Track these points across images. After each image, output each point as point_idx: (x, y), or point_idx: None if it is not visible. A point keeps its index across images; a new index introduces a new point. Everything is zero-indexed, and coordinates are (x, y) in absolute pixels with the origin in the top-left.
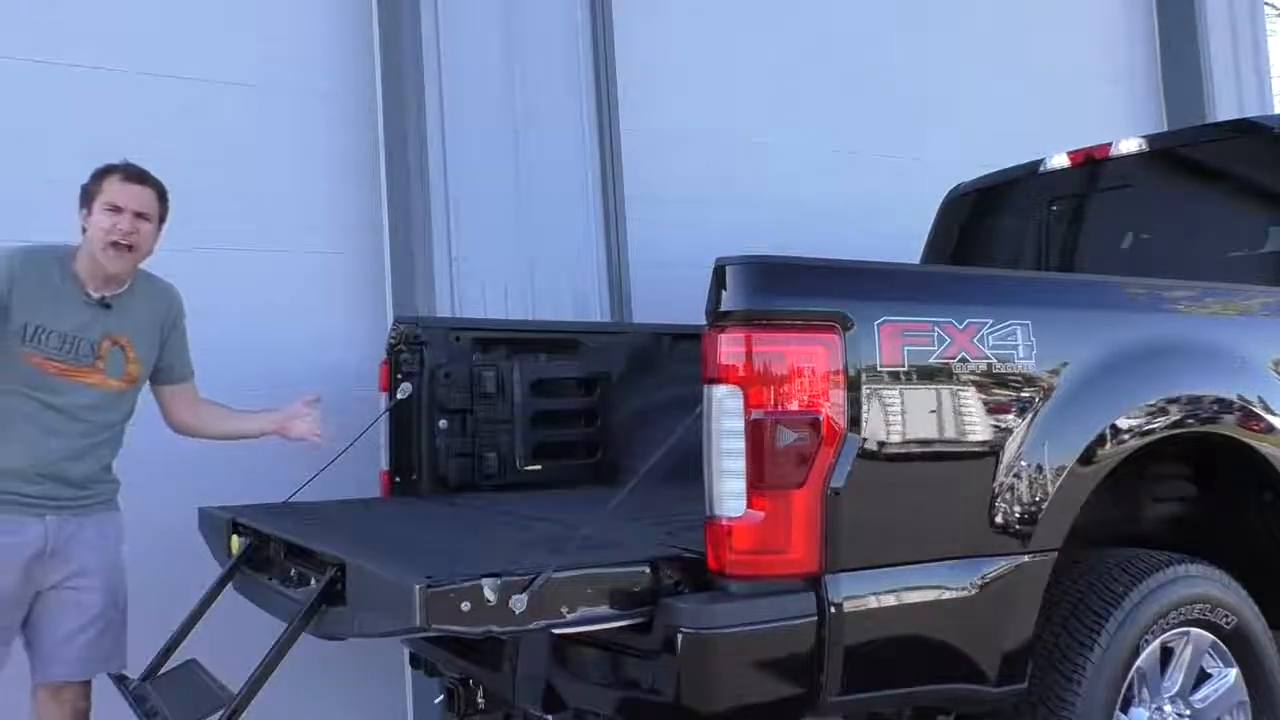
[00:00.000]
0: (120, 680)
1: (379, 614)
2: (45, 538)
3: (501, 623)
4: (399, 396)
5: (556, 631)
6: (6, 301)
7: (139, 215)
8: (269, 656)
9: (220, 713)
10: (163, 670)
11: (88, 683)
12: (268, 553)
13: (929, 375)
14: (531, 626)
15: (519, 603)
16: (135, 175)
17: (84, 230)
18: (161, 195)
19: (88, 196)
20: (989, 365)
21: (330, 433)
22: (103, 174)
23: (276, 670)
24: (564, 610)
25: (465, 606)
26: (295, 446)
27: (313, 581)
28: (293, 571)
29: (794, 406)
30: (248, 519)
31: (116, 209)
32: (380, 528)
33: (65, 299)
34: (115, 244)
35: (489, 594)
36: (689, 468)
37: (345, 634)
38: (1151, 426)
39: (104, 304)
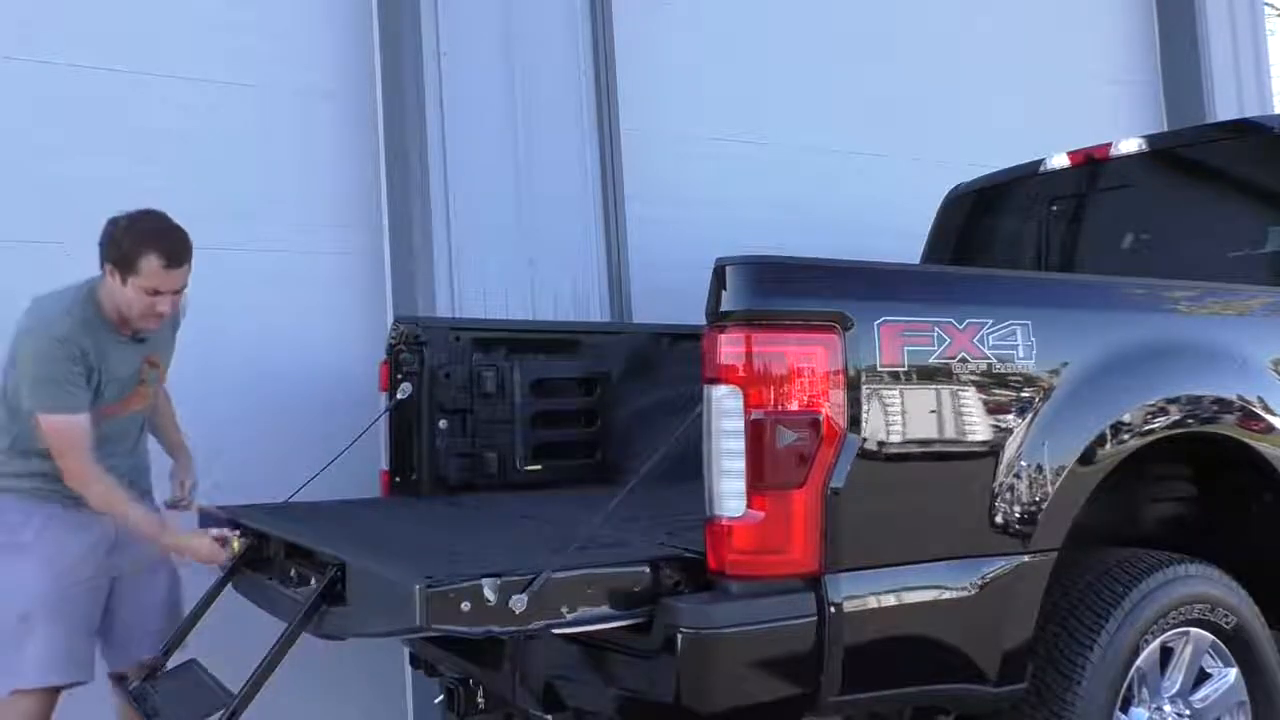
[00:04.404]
0: (120, 680)
1: (379, 614)
2: (115, 527)
3: (501, 622)
4: (399, 396)
5: (556, 631)
6: (97, 380)
7: (178, 291)
8: (269, 656)
9: (220, 713)
10: (163, 670)
11: None
12: (268, 553)
13: (929, 375)
14: (532, 626)
15: (519, 603)
16: (176, 257)
17: (104, 276)
18: (190, 259)
19: (120, 265)
20: (989, 365)
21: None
22: (140, 248)
23: (277, 670)
24: (564, 610)
25: (465, 606)
26: (294, 447)
27: (313, 581)
28: (293, 571)
29: (794, 406)
30: (248, 519)
31: (157, 292)
32: (381, 528)
33: (113, 348)
34: (159, 314)
35: (489, 594)
36: (689, 468)
37: (345, 634)
38: (1151, 426)
39: (138, 339)
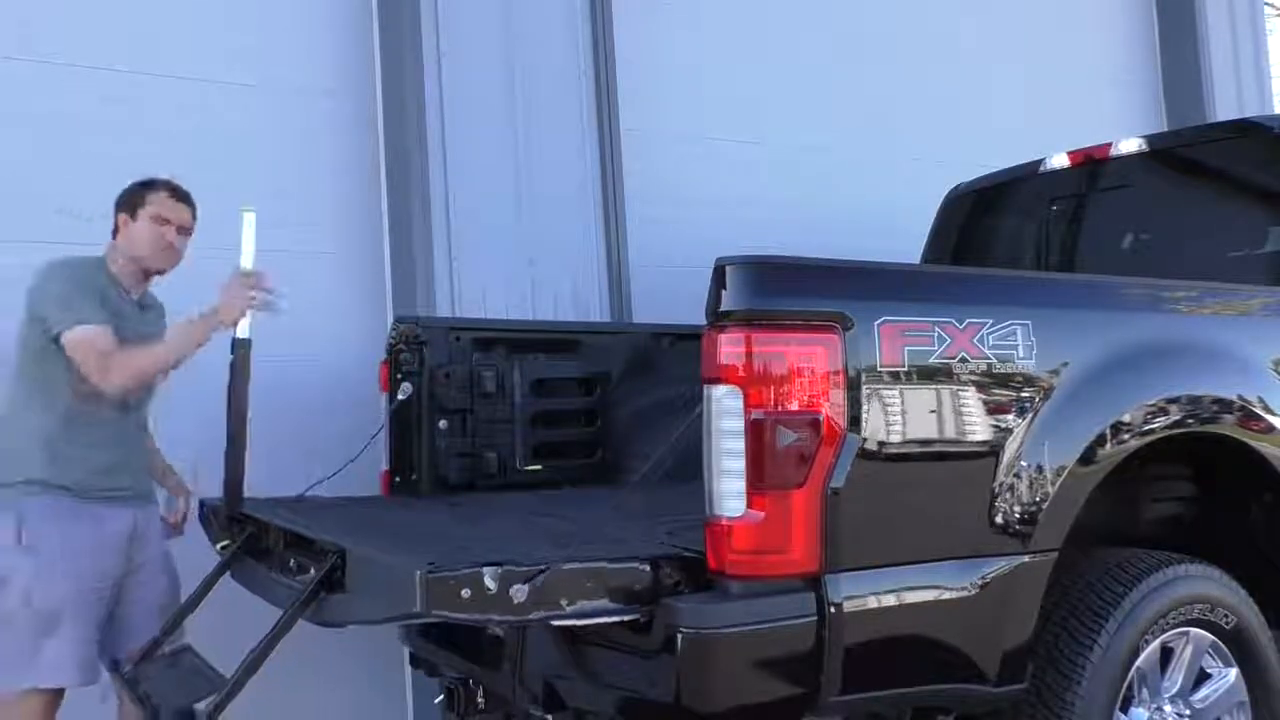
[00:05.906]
0: (114, 665)
1: (379, 600)
2: (134, 522)
3: (501, 611)
4: (400, 397)
5: (555, 625)
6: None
7: (182, 229)
8: (264, 641)
9: (212, 697)
10: (157, 655)
11: None
12: (268, 543)
13: (929, 375)
14: (531, 617)
15: (519, 592)
16: (181, 194)
17: (115, 233)
18: (195, 214)
19: (129, 205)
20: (989, 365)
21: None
22: (147, 187)
23: (277, 670)
24: (563, 602)
25: (465, 593)
26: (293, 447)
27: (312, 570)
28: (292, 561)
29: (794, 406)
30: (249, 510)
31: (165, 220)
32: (381, 521)
33: (124, 310)
34: (169, 245)
35: (489, 582)
36: (689, 468)
37: (345, 620)
38: (1151, 426)
39: (142, 305)
